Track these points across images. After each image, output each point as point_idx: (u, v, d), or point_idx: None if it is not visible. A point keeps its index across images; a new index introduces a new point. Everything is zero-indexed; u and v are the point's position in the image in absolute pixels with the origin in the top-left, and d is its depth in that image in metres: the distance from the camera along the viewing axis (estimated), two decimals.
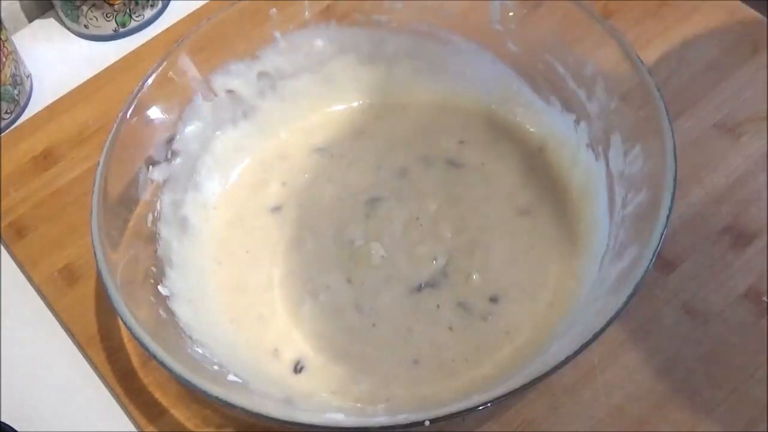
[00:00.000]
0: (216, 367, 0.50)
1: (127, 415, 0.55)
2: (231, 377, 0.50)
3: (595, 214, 0.56)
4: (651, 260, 0.46)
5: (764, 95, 0.64)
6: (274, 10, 0.60)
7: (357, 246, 0.58)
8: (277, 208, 0.61)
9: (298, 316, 0.56)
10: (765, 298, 0.56)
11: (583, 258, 0.55)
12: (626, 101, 0.54)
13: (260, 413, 0.45)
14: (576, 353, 0.44)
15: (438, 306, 0.55)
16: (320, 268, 0.57)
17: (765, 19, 0.68)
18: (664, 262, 0.57)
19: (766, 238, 0.58)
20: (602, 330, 0.44)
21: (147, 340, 0.47)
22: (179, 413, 0.54)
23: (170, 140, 0.58)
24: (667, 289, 0.56)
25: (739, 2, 0.69)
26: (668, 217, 0.47)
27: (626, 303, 0.45)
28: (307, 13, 0.61)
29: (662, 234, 0.47)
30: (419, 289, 0.56)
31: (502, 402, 0.44)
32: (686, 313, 0.55)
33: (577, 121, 0.58)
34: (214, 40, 0.59)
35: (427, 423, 0.43)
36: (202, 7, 0.74)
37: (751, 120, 0.63)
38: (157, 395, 0.55)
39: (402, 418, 0.44)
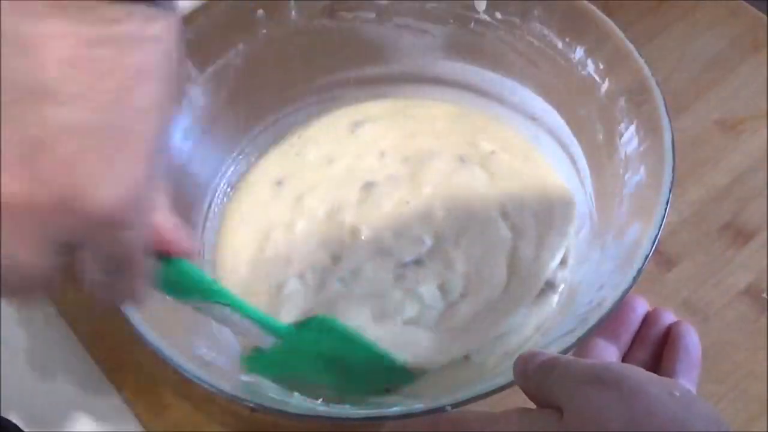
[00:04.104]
0: (228, 367, 0.50)
1: (130, 412, 0.55)
2: (243, 377, 0.50)
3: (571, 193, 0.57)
4: (653, 244, 0.46)
5: (764, 93, 0.64)
6: (261, 11, 0.60)
7: (346, 228, 0.58)
8: (278, 183, 0.62)
9: (279, 297, 0.56)
10: (765, 295, 0.56)
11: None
12: (626, 95, 0.54)
13: (286, 411, 0.46)
14: (583, 337, 0.45)
15: (418, 282, 0.55)
16: (308, 250, 0.58)
17: (765, 16, 0.68)
18: (664, 259, 0.57)
19: (766, 236, 0.58)
20: (607, 315, 0.45)
21: (158, 341, 0.47)
22: (182, 410, 0.54)
23: (170, 137, 0.58)
24: (667, 286, 0.57)
25: (740, 0, 0.69)
26: (668, 201, 0.48)
27: (633, 282, 0.45)
28: (293, 13, 0.62)
29: (663, 215, 0.47)
30: (404, 266, 0.56)
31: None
32: (686, 310, 0.55)
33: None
34: (211, 39, 0.59)
35: (448, 408, 0.43)
36: (203, 5, 0.74)
37: (751, 117, 0.63)
38: (160, 391, 0.55)
39: (419, 406, 0.44)
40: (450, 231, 0.57)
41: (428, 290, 0.55)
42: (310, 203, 0.60)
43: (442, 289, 0.55)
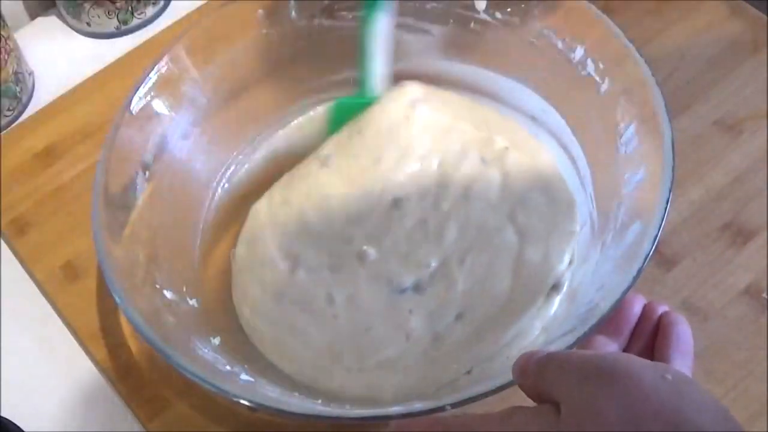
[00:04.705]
0: (228, 368, 0.50)
1: (129, 411, 0.55)
2: (244, 377, 0.50)
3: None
4: (653, 244, 0.46)
5: (764, 93, 0.64)
6: (261, 11, 0.60)
7: (356, 245, 0.57)
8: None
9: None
10: (765, 295, 0.56)
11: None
12: (626, 95, 0.54)
13: (290, 411, 0.46)
14: (583, 336, 0.45)
15: (410, 311, 0.54)
16: (319, 241, 0.57)
17: (765, 16, 0.68)
18: (664, 259, 0.57)
19: (765, 236, 0.58)
20: (608, 314, 0.45)
21: (158, 341, 0.47)
22: (181, 409, 0.54)
23: (169, 135, 0.58)
24: (667, 286, 0.57)
25: (740, 0, 0.69)
26: (668, 201, 0.48)
27: (633, 282, 0.45)
28: (293, 13, 0.62)
29: (663, 215, 0.47)
30: (402, 291, 0.55)
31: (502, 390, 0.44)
32: (686, 310, 0.55)
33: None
34: (211, 39, 0.60)
35: (448, 408, 0.43)
36: (203, 5, 0.74)
37: (751, 117, 0.63)
38: (159, 391, 0.55)
39: (420, 405, 0.44)
40: (458, 250, 0.56)
41: (417, 322, 0.54)
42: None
43: (435, 315, 0.54)
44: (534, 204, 0.57)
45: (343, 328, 0.54)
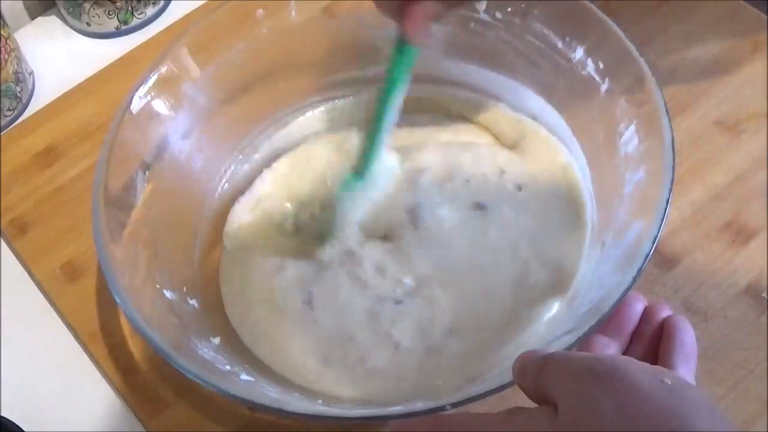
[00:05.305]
0: (228, 368, 0.50)
1: (129, 411, 0.55)
2: (244, 377, 0.50)
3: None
4: (653, 244, 0.46)
5: (764, 93, 0.64)
6: (261, 11, 0.60)
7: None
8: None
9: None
10: (765, 295, 0.56)
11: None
12: (626, 95, 0.54)
13: (290, 411, 0.46)
14: (583, 336, 0.44)
15: (393, 320, 0.54)
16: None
17: (765, 16, 0.68)
18: (664, 259, 0.57)
19: (765, 236, 0.58)
20: (608, 314, 0.45)
21: (159, 341, 0.47)
22: (181, 409, 0.54)
23: (169, 135, 0.58)
24: (666, 286, 0.57)
25: (740, 0, 0.69)
26: (668, 201, 0.48)
27: (633, 282, 0.45)
28: (293, 13, 0.62)
29: (664, 215, 0.47)
30: (382, 301, 0.55)
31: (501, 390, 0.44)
32: (686, 310, 0.55)
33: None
34: (211, 39, 0.60)
35: (448, 407, 0.43)
36: (203, 5, 0.74)
37: (751, 117, 0.63)
38: (159, 391, 0.55)
39: (420, 405, 0.44)
40: (438, 276, 0.55)
41: (404, 333, 0.53)
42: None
43: (424, 328, 0.53)
44: (543, 234, 0.56)
45: (324, 331, 0.54)
